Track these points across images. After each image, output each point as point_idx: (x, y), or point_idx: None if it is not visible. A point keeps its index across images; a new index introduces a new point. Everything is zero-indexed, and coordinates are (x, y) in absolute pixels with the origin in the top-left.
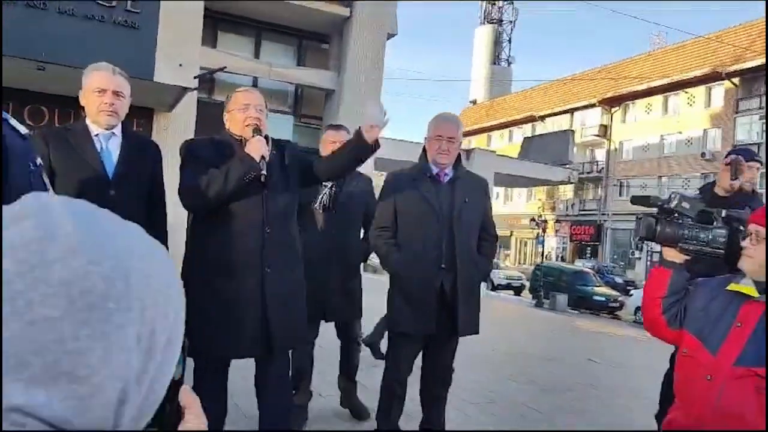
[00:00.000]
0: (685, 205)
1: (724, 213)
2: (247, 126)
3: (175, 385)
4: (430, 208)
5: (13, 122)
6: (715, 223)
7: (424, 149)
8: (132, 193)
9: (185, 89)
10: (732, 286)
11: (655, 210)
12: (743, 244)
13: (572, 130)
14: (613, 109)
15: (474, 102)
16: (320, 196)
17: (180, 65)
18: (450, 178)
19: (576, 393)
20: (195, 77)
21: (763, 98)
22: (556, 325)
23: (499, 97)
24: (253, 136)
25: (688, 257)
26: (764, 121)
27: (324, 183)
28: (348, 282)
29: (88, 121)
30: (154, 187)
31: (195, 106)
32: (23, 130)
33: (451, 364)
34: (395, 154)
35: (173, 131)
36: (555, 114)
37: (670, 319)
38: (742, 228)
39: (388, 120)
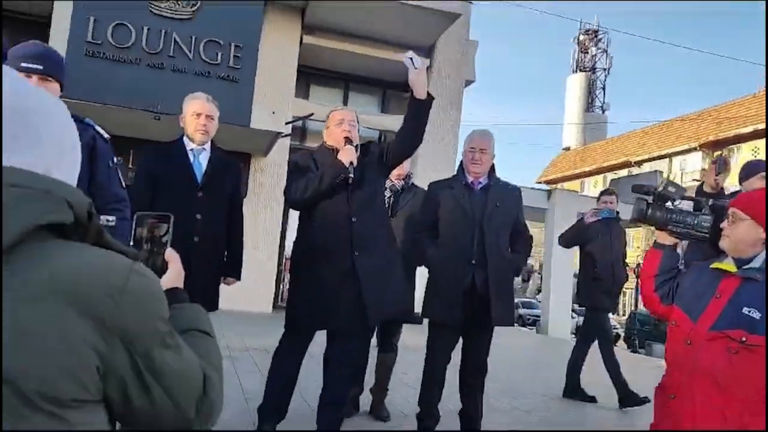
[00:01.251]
0: (671, 189)
1: (711, 202)
2: (342, 138)
3: (163, 246)
4: (463, 211)
5: (98, 128)
6: (703, 210)
7: (461, 163)
8: (215, 196)
9: (278, 134)
10: (715, 264)
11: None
12: (722, 225)
13: (660, 171)
14: (715, 153)
15: (567, 149)
16: None
17: (273, 113)
18: (483, 185)
19: (628, 415)
20: (286, 123)
21: None
22: (636, 364)
23: (594, 143)
24: (345, 146)
25: (678, 240)
26: None
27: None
28: None
29: (185, 139)
30: (233, 192)
31: (287, 151)
32: (106, 135)
33: (486, 355)
34: None
35: (269, 174)
36: (652, 159)
37: (662, 296)
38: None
39: (425, 64)
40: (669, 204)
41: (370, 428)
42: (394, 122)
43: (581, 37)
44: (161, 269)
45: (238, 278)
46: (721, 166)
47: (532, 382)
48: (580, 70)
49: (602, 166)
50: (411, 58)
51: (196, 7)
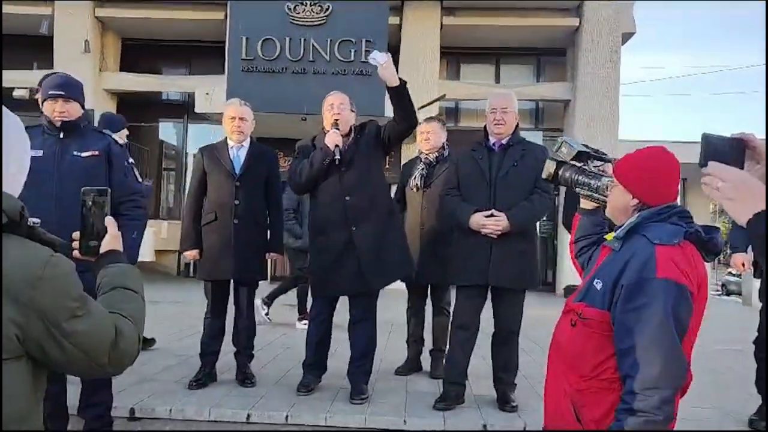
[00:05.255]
0: (563, 150)
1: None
2: (332, 122)
3: (105, 216)
4: (480, 171)
5: (114, 137)
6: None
7: (485, 126)
8: (251, 184)
9: None
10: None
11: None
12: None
13: None
14: None
15: None
16: (413, 178)
17: None
18: (503, 145)
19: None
20: (419, 108)
21: None
22: None
23: None
24: (331, 130)
25: (596, 204)
26: None
27: (416, 166)
28: (439, 248)
29: (227, 138)
30: (269, 180)
31: None
32: (121, 141)
33: (512, 316)
34: None
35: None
36: None
37: (583, 264)
38: None
39: (389, 57)
40: (588, 165)
41: (423, 386)
42: (548, 90)
43: None
44: (103, 233)
45: (280, 253)
46: None
47: None
48: None
49: None
50: (374, 57)
51: (328, 12)
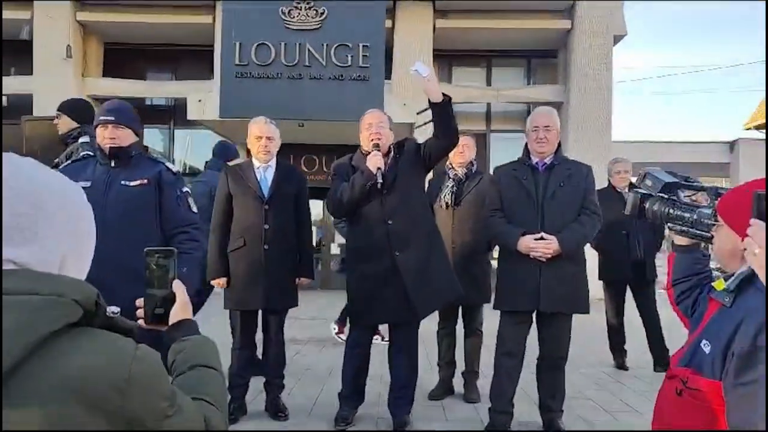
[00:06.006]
0: (648, 182)
1: (716, 190)
2: (371, 142)
3: (171, 280)
4: (526, 192)
5: (168, 164)
6: (707, 202)
7: (526, 144)
8: (280, 206)
9: (412, 125)
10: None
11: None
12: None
13: None
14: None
15: None
16: (443, 195)
17: (404, 104)
18: (547, 165)
19: None
20: (418, 113)
21: None
22: None
23: None
24: (371, 151)
25: (693, 240)
26: None
27: (446, 183)
28: (471, 267)
29: (252, 158)
30: (298, 201)
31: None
32: (175, 169)
33: (561, 343)
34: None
35: None
36: None
37: (684, 311)
38: None
39: (431, 71)
40: (678, 195)
41: (461, 412)
42: (540, 92)
43: None
44: (170, 301)
45: (311, 278)
46: None
47: None
48: None
49: None
50: (416, 69)
51: (323, 16)
